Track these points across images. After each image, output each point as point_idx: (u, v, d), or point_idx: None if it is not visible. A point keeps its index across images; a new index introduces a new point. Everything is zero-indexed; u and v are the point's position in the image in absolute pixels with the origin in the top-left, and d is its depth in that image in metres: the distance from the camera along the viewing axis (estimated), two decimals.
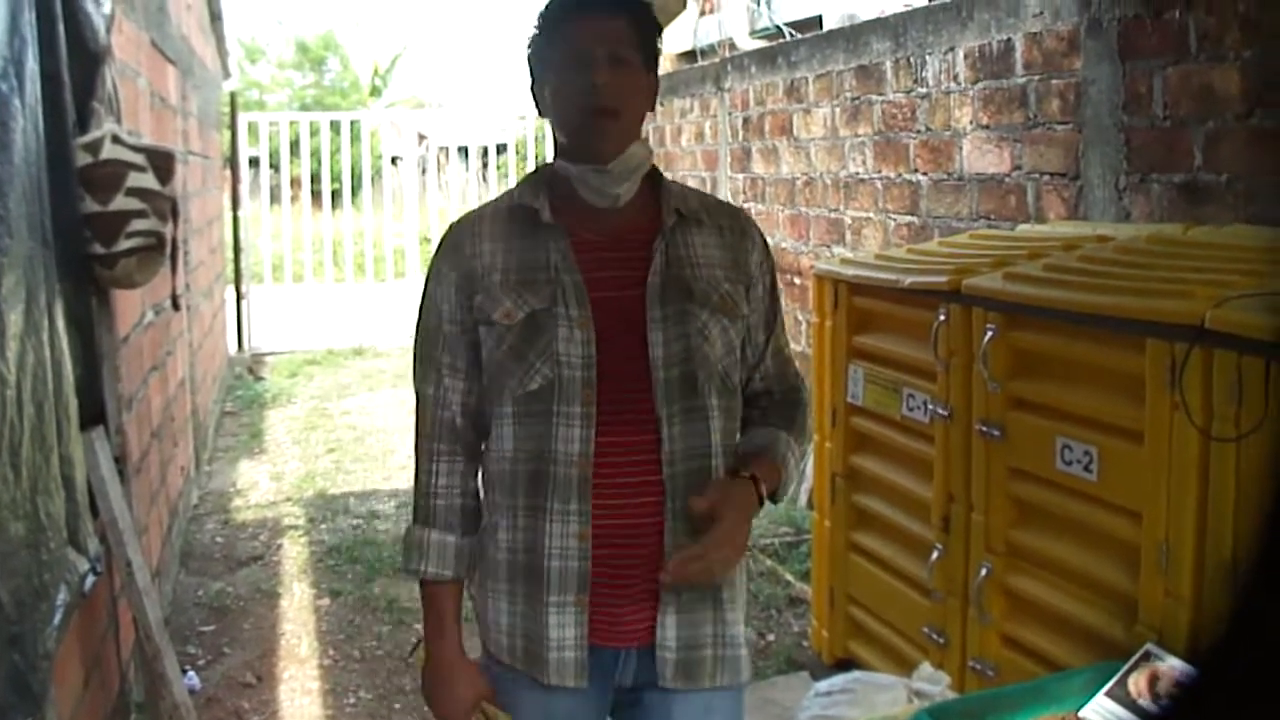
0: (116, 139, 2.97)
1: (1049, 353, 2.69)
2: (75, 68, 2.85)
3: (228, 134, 10.94)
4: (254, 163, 12.44)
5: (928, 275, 3.10)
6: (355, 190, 14.11)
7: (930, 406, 3.08)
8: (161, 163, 3.07)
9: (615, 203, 1.89)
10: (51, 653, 2.28)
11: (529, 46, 1.96)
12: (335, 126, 13.26)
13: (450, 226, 2.03)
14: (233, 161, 10.78)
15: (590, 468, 1.86)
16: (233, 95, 11.36)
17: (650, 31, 1.93)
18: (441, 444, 1.98)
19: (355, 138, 13.57)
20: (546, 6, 1.95)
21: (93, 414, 2.90)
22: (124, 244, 2.95)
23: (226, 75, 11.08)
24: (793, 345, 6.63)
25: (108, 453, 2.99)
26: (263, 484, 6.58)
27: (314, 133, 13.26)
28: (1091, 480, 2.49)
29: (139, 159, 3.00)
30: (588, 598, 1.88)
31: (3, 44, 2.24)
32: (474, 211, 2.05)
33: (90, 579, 2.65)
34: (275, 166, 13.71)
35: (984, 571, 2.83)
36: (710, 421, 1.90)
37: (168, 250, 3.16)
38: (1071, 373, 2.60)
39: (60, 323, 2.57)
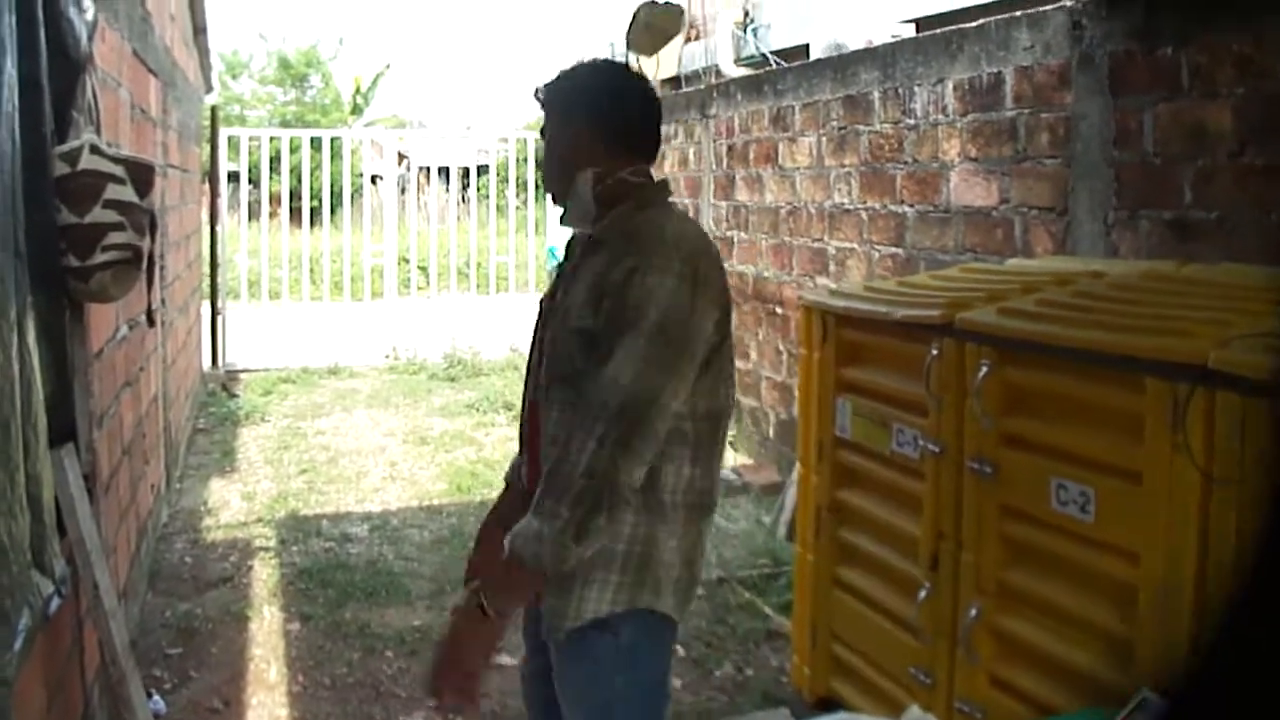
0: (95, 149, 2.90)
1: (1044, 390, 2.64)
2: (55, 75, 2.77)
3: (208, 148, 10.86)
4: (233, 178, 12.33)
5: (920, 309, 3.05)
6: (334, 208, 14.04)
7: (921, 442, 3.03)
8: (140, 175, 3.00)
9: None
10: (11, 679, 2.20)
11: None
12: (316, 143, 13.16)
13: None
14: (212, 176, 10.69)
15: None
16: (214, 109, 11.27)
17: (561, 92, 2.29)
18: None
19: (335, 155, 13.49)
20: None
21: (63, 431, 2.82)
22: (100, 257, 2.88)
23: (208, 89, 11.00)
24: (776, 375, 6.65)
25: (77, 471, 2.91)
26: (234, 503, 6.47)
27: (294, 149, 13.17)
28: (1088, 521, 2.44)
29: (118, 170, 2.93)
30: None
31: None
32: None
33: (55, 602, 2.56)
34: (255, 182, 13.63)
35: (973, 611, 2.78)
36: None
37: (144, 264, 3.09)
38: (1067, 411, 2.56)
39: (31, 337, 2.49)
